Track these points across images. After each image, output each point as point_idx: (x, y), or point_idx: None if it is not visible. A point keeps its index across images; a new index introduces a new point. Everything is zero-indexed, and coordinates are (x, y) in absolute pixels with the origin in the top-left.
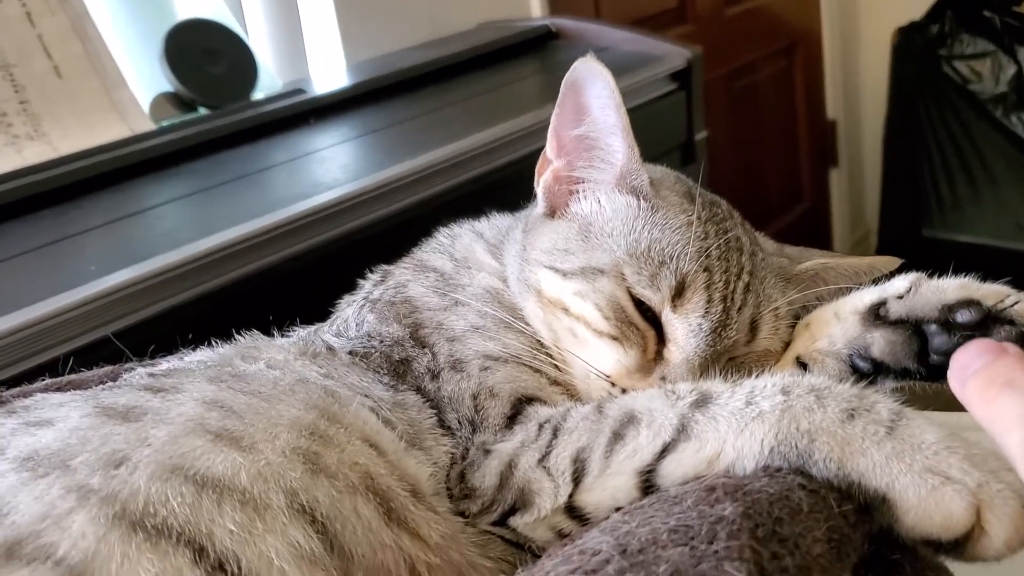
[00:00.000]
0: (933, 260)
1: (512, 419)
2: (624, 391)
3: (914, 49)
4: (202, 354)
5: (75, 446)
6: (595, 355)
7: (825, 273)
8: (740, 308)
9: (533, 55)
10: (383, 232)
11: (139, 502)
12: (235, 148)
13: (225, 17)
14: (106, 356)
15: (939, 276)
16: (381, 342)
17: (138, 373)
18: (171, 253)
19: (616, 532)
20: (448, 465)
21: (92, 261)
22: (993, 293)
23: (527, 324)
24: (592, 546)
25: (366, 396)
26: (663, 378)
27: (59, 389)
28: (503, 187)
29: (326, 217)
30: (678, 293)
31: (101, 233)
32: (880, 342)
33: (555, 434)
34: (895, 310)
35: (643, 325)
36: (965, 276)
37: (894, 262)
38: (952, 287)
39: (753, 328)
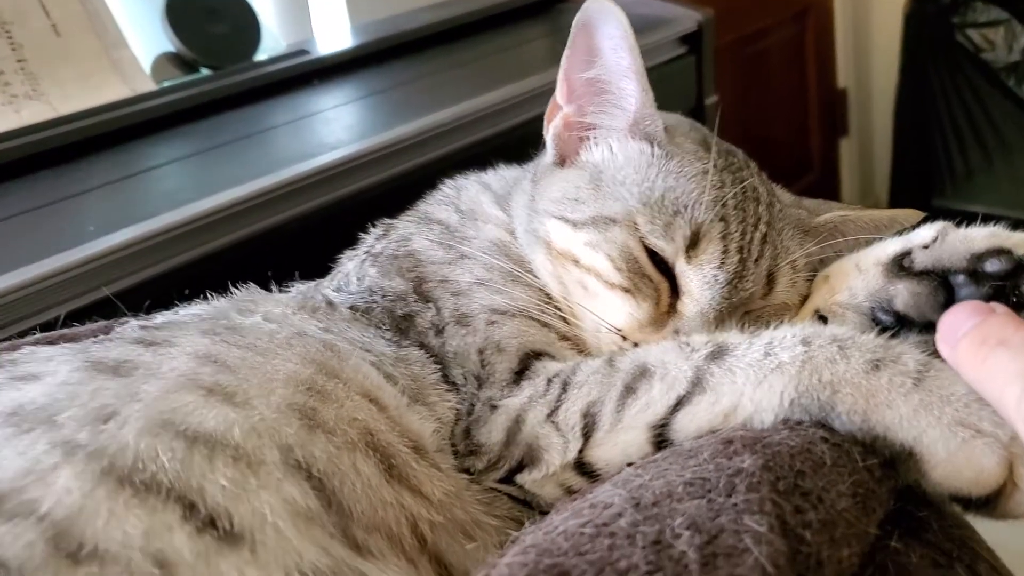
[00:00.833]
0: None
1: (519, 374)
2: (636, 345)
3: (927, 16)
4: (197, 307)
5: (62, 401)
6: (606, 308)
7: (844, 226)
8: (757, 259)
9: (541, 18)
10: (386, 194)
11: (128, 457)
12: (237, 109)
13: None
14: (104, 317)
15: (966, 225)
16: (383, 297)
17: (131, 326)
18: (171, 213)
19: (629, 485)
20: (452, 421)
21: (91, 221)
22: None
23: (535, 277)
24: (603, 499)
25: (367, 351)
26: (676, 332)
27: (50, 343)
28: (508, 150)
29: (329, 178)
30: (693, 243)
31: (100, 194)
32: (904, 294)
33: (564, 388)
34: (920, 260)
35: (656, 277)
36: (994, 224)
37: (916, 215)
38: (981, 235)
39: (770, 280)
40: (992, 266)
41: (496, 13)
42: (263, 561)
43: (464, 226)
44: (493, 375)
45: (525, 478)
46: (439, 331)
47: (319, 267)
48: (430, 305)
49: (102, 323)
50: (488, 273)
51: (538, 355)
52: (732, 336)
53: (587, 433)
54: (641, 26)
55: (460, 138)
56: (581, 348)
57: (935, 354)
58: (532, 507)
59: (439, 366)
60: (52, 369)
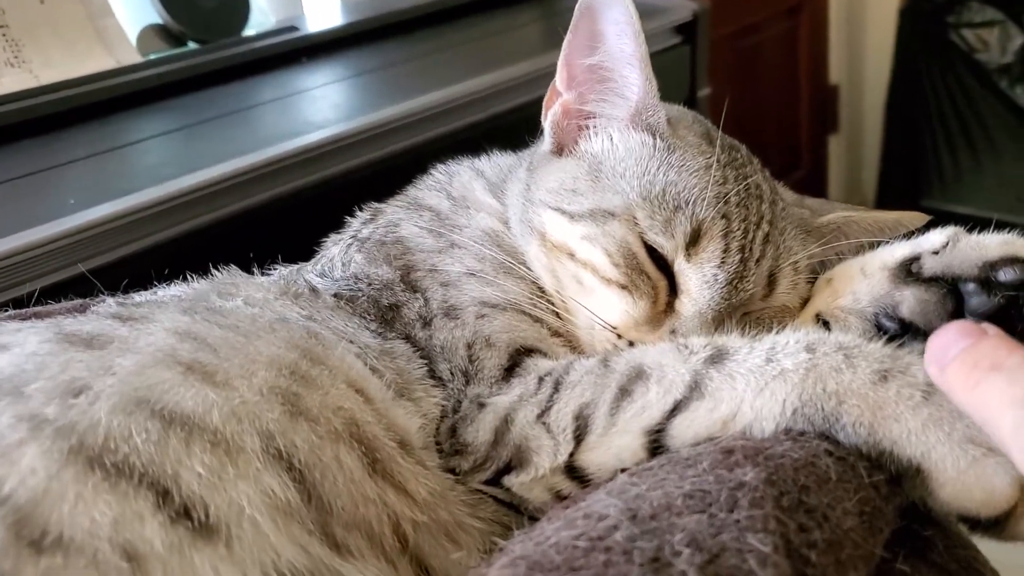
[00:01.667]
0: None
1: (509, 371)
2: (631, 344)
3: (921, 14)
4: (176, 288)
5: (30, 372)
6: (601, 304)
7: (847, 227)
8: (758, 259)
9: (535, 2)
10: (373, 176)
11: (99, 436)
12: (224, 84)
13: None
14: (80, 294)
15: (978, 231)
16: (369, 285)
17: (107, 303)
18: (154, 189)
19: (624, 495)
20: (438, 418)
21: (71, 194)
22: None
23: (528, 269)
24: (598, 510)
25: (351, 342)
26: (673, 332)
27: (22, 320)
28: (499, 135)
29: (315, 158)
30: (693, 241)
31: (82, 166)
32: (910, 301)
33: (556, 388)
34: (929, 266)
35: (655, 274)
36: (1008, 231)
37: (922, 218)
38: (994, 243)
39: (771, 281)
40: (1005, 275)
41: None
42: (239, 557)
43: (455, 214)
44: (482, 371)
45: (512, 480)
46: (426, 323)
47: (303, 249)
48: (418, 295)
49: (77, 302)
50: (479, 264)
51: (529, 352)
52: (732, 340)
53: (579, 436)
54: None
55: (450, 121)
56: (573, 345)
57: None
58: (520, 511)
59: (425, 360)
60: (20, 339)
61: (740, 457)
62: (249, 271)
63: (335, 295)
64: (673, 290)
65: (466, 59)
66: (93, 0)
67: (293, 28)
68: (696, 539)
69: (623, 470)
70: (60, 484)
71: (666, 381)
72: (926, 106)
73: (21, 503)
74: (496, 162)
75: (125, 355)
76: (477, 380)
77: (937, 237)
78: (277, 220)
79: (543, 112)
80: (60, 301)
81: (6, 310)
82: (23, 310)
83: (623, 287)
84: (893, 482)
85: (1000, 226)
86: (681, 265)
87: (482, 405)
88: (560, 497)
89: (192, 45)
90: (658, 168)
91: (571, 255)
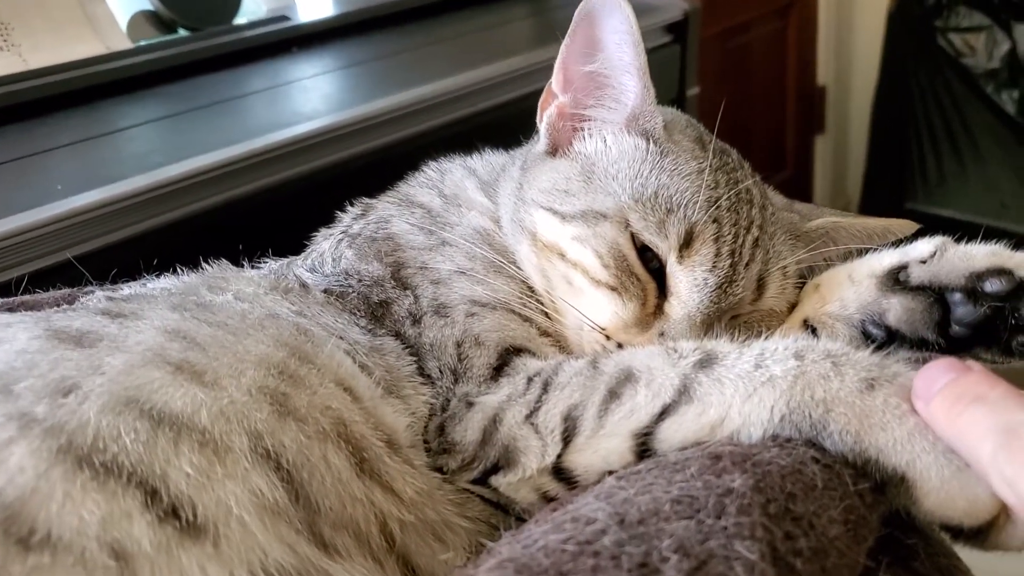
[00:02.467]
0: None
1: (498, 370)
2: (620, 346)
3: (910, 18)
4: (166, 281)
5: (20, 370)
6: (591, 305)
7: (836, 232)
8: (748, 264)
9: None
10: (362, 169)
11: (87, 435)
12: (214, 73)
13: None
14: (66, 281)
15: (966, 242)
16: (359, 281)
17: (96, 296)
18: (142, 176)
19: (612, 499)
20: (427, 416)
21: (58, 180)
22: None
23: (519, 269)
24: (586, 513)
25: (340, 338)
26: (661, 334)
27: (10, 310)
28: (489, 130)
29: (305, 148)
30: (686, 243)
31: (69, 152)
32: (897, 309)
33: (545, 389)
34: (917, 275)
35: (644, 276)
36: (995, 243)
37: (911, 226)
38: (982, 253)
39: (760, 286)
40: (992, 286)
41: None
42: (226, 557)
43: (447, 211)
44: (470, 370)
45: (500, 480)
46: (416, 320)
47: (292, 241)
48: (408, 293)
49: (66, 291)
50: (470, 262)
51: (518, 351)
52: (721, 344)
53: (567, 437)
54: None
55: (440, 115)
56: (562, 345)
57: None
58: (507, 511)
59: (414, 357)
60: (10, 336)
61: (728, 463)
62: (237, 261)
63: (325, 291)
64: (662, 293)
65: (457, 53)
66: None
67: (284, 18)
68: (684, 545)
69: (610, 472)
70: (48, 483)
71: (655, 384)
72: (912, 109)
73: (9, 501)
74: (488, 161)
75: (114, 354)
76: (466, 379)
77: (925, 246)
78: (265, 210)
79: (538, 113)
80: (48, 289)
81: None
82: (11, 299)
83: (613, 289)
84: (877, 490)
85: (986, 231)
86: (672, 267)
87: (471, 404)
88: (547, 498)
89: (183, 32)
90: (651, 171)
91: (562, 255)
